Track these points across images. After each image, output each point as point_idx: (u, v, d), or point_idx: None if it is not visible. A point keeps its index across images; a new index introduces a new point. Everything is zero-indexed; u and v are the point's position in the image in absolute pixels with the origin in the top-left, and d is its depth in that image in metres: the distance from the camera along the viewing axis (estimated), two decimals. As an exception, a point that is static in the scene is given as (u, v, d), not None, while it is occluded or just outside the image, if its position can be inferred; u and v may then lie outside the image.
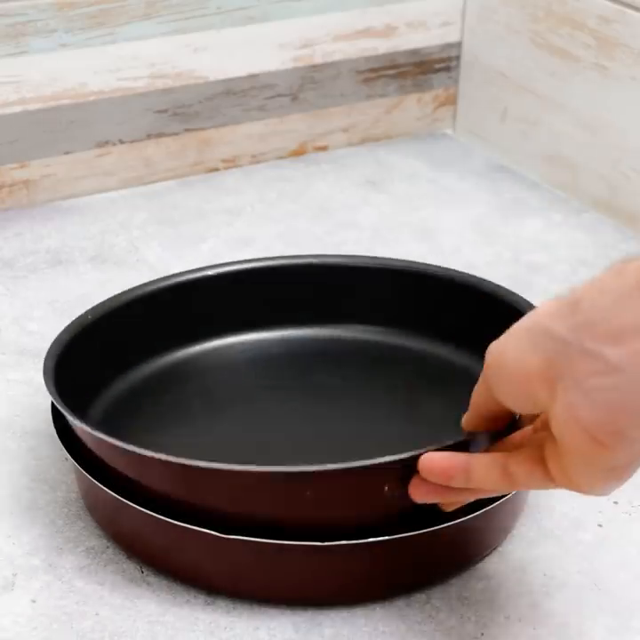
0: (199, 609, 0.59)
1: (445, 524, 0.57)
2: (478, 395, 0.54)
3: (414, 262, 0.74)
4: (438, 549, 0.59)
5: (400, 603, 0.59)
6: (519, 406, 0.51)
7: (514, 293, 0.70)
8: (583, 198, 0.97)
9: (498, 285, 0.71)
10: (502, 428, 0.55)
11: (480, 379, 0.54)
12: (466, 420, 0.56)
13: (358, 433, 0.67)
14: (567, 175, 0.98)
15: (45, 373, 0.63)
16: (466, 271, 0.88)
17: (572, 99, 0.96)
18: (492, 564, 0.62)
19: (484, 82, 1.04)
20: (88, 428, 0.59)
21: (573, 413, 0.47)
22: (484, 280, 0.72)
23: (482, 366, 0.70)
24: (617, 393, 0.46)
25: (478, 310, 0.71)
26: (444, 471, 0.53)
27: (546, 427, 0.52)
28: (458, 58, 1.05)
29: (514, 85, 1.01)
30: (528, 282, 0.86)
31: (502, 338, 0.51)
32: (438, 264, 0.86)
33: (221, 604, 0.59)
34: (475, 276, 0.72)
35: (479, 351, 0.70)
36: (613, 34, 0.91)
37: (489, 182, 0.99)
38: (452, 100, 1.07)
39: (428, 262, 0.75)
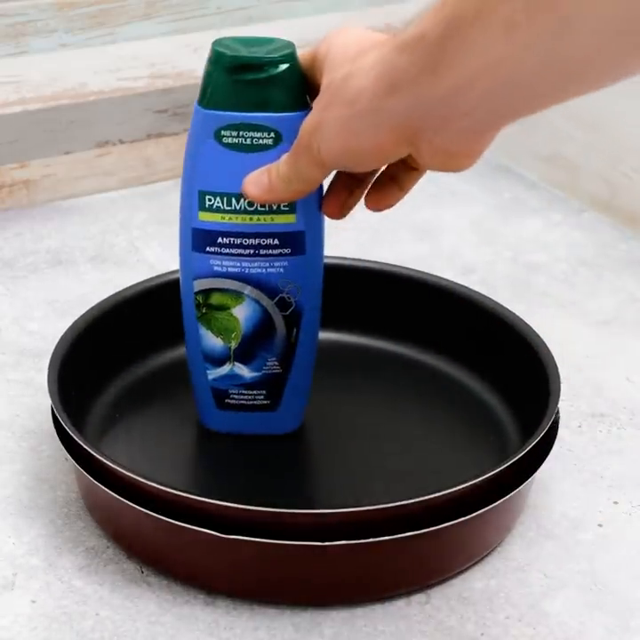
0: (199, 609, 0.58)
1: (445, 524, 0.57)
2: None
3: (421, 272, 0.74)
4: (438, 549, 0.59)
5: (400, 603, 0.59)
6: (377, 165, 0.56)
7: (516, 315, 0.70)
8: (583, 198, 0.96)
9: (498, 303, 0.71)
10: None
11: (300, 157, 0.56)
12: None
13: (355, 441, 0.67)
14: (567, 175, 0.97)
15: (49, 380, 0.63)
16: (467, 272, 0.88)
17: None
18: (492, 564, 0.61)
19: (483, 82, 1.03)
20: (88, 447, 0.59)
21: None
22: (485, 297, 0.72)
23: (474, 380, 0.72)
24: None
25: (476, 327, 0.71)
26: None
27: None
28: (458, 58, 1.05)
29: (514, 85, 1.01)
30: (527, 281, 0.86)
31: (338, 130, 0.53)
32: (439, 265, 0.86)
33: (221, 604, 0.59)
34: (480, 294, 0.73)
35: (472, 365, 0.71)
36: (613, 34, 0.91)
37: (489, 182, 0.99)
38: (451, 100, 1.07)
39: (429, 267, 0.75)
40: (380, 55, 0.50)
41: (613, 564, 0.62)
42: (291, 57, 0.60)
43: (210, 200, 0.61)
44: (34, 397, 0.73)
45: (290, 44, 0.60)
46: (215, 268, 0.63)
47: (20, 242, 0.89)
